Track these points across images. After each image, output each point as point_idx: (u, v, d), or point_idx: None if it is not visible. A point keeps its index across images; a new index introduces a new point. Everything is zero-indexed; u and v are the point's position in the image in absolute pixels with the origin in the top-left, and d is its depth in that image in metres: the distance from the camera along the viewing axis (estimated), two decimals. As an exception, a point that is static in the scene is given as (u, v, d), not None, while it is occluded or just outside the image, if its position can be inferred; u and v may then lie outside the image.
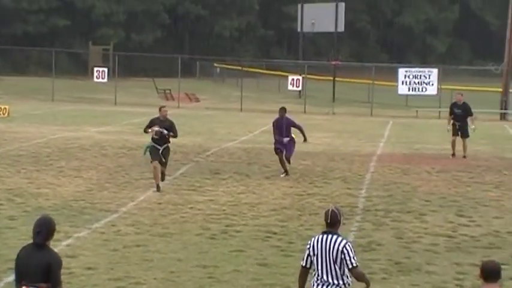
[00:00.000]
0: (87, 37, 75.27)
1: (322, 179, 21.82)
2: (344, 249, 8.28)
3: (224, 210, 17.16)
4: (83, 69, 70.08)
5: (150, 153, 19.49)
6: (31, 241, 7.74)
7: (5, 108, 36.83)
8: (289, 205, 17.97)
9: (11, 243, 13.31)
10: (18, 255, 7.69)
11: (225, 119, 41.49)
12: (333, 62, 58.92)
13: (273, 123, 22.34)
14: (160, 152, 19.27)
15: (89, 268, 12.22)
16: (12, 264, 8.72)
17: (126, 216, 16.25)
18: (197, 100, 55.17)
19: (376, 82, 50.03)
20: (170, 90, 55.97)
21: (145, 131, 19.39)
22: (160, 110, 19.67)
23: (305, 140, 22.47)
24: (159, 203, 17.64)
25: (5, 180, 19.70)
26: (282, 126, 21.89)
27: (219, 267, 12.60)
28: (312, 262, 8.42)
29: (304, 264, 8.48)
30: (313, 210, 17.37)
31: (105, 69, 51.66)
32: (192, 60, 72.00)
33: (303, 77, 49.71)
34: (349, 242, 8.46)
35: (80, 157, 24.11)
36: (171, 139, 19.57)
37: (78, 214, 16.19)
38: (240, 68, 57.20)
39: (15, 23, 73.49)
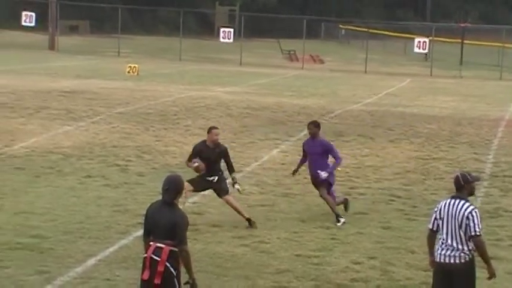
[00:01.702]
0: (214, -3, 75.85)
1: (448, 143, 21.47)
2: (470, 215, 8.15)
3: (348, 172, 17.12)
4: (210, 30, 70.84)
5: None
6: (159, 197, 7.90)
7: (135, 67, 37.67)
8: (413, 169, 17.79)
9: (140, 199, 13.68)
10: (147, 211, 7.79)
11: (349, 81, 41.24)
12: (462, 24, 57.55)
13: (303, 145, 13.84)
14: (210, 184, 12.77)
15: (214, 226, 12.44)
16: (141, 219, 9.00)
17: (250, 175, 16.43)
18: (321, 61, 54.99)
19: (506, 45, 48.63)
20: (295, 51, 55.97)
21: (187, 165, 12.80)
22: (209, 132, 12.79)
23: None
24: (283, 164, 17.76)
25: (134, 137, 20.20)
26: (316, 152, 13.34)
27: (342, 229, 12.62)
28: (438, 226, 8.34)
29: (431, 227, 8.42)
30: (438, 175, 17.15)
31: (231, 30, 52.06)
32: (317, 22, 71.61)
33: (429, 39, 48.81)
34: (476, 208, 8.31)
35: (205, 116, 24.47)
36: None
37: (203, 172, 16.43)
38: (365, 29, 56.55)
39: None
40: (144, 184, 15.05)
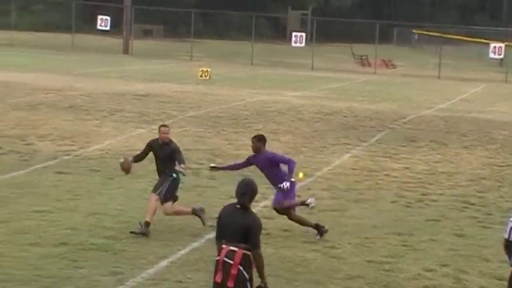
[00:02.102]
0: (286, 2, 75.97)
1: (523, 150, 21.10)
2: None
3: (420, 178, 16.95)
4: (282, 34, 70.94)
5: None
6: (230, 201, 7.90)
7: (207, 71, 37.93)
8: (488, 175, 17.52)
9: (212, 202, 13.74)
10: (220, 214, 7.79)
11: (422, 86, 40.84)
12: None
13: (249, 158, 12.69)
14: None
15: (285, 230, 12.43)
16: (213, 222, 9.04)
17: (321, 180, 16.39)
18: (393, 66, 54.59)
19: None
20: (367, 56, 55.69)
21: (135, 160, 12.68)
22: (159, 129, 12.47)
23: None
24: (354, 169, 17.67)
25: (206, 140, 20.34)
26: (265, 166, 12.31)
27: (414, 235, 12.49)
28: (515, 235, 8.12)
29: (507, 237, 8.15)
30: (513, 182, 16.86)
31: (303, 34, 52.05)
32: (390, 26, 71.11)
33: (505, 45, 48.04)
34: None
35: (277, 120, 24.49)
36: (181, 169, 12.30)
37: (275, 176, 16.44)
38: (439, 34, 55.95)
39: (218, -13, 75.20)
40: (216, 187, 15.13)
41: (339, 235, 12.32)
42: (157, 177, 12.37)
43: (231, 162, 13.55)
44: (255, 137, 12.43)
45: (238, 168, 12.96)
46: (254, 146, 12.24)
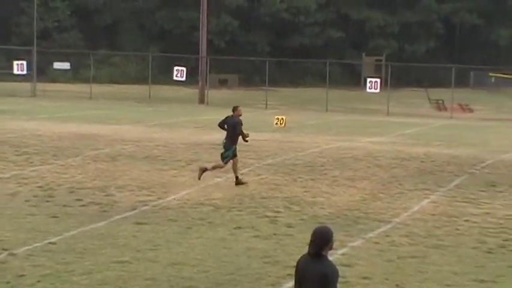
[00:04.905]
0: (360, 48, 76.11)
1: None
2: None
3: (501, 223, 16.65)
4: (356, 80, 71.01)
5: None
6: (307, 249, 7.89)
7: (282, 119, 38.08)
8: None
9: (290, 250, 13.72)
10: (297, 263, 7.77)
11: (500, 129, 40.27)
12: None
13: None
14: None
15: (365, 278, 12.32)
16: (291, 271, 9.01)
17: (400, 226, 16.22)
18: (470, 110, 53.98)
19: None
20: (443, 100, 55.25)
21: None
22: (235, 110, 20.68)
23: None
24: (433, 214, 17.45)
25: (283, 188, 20.35)
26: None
27: (497, 282, 12.25)
28: None
29: None
30: None
31: (378, 80, 51.96)
32: (466, 70, 70.50)
33: None
34: None
35: (353, 167, 24.39)
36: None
37: (352, 223, 16.38)
38: (516, 76, 55.22)
39: (293, 35, 75.85)
40: (293, 235, 15.10)
41: (419, 282, 12.15)
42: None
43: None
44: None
45: None
46: None
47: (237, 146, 20.69)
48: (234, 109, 20.64)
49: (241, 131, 20.49)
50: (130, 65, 70.03)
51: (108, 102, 51.64)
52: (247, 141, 21.12)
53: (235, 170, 20.63)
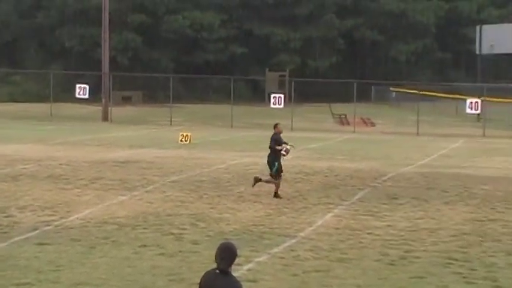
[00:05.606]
0: (264, 64, 76.71)
1: (504, 204, 21.19)
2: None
3: (402, 235, 16.96)
4: (260, 96, 71.48)
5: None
6: (213, 265, 7.87)
7: (187, 135, 38.01)
8: (470, 231, 17.55)
9: (195, 267, 13.67)
10: (201, 281, 7.74)
11: (401, 143, 41.08)
12: (513, 84, 57.15)
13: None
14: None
15: (270, 293, 12.37)
16: (196, 288, 8.96)
17: (304, 241, 16.35)
18: (372, 124, 54.96)
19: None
20: (346, 115, 56.09)
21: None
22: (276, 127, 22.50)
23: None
24: (337, 228, 17.66)
25: (188, 205, 20.29)
26: None
27: (399, 293, 12.45)
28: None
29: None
30: (496, 237, 16.89)
31: (282, 95, 52.40)
32: (368, 85, 71.82)
33: (482, 100, 48.53)
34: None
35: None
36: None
37: (258, 239, 16.44)
38: (416, 91, 56.52)
39: (197, 51, 75.95)
40: (199, 252, 15.06)
41: (323, 296, 12.26)
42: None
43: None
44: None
45: None
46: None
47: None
48: (274, 126, 22.72)
49: (274, 145, 22.17)
50: (31, 83, 68.84)
51: (8, 121, 50.62)
52: (284, 155, 22.34)
53: (272, 182, 21.80)
